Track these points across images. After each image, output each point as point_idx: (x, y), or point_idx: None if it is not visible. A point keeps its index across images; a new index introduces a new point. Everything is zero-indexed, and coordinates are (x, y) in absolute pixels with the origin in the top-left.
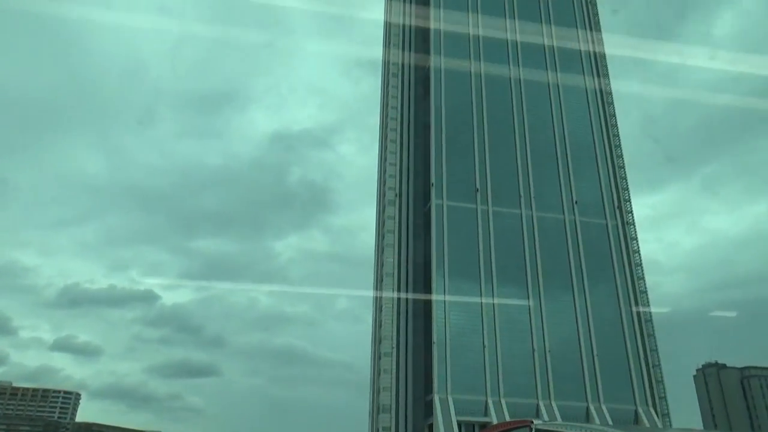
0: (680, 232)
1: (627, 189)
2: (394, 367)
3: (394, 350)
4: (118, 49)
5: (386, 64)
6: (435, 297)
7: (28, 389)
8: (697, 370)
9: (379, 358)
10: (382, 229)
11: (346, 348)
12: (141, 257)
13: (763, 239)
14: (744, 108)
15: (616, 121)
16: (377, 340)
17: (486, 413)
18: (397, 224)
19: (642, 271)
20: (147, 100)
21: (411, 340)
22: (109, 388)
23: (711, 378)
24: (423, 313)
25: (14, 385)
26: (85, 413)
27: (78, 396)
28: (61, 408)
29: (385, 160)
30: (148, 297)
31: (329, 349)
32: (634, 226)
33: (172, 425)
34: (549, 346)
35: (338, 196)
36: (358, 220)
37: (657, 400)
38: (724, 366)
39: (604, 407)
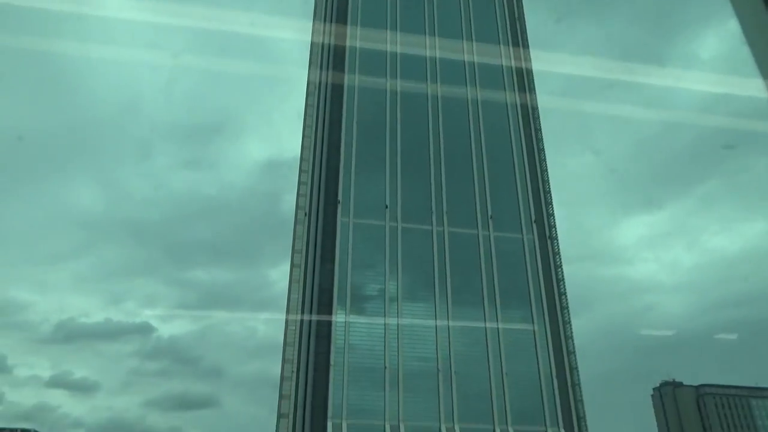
0: (680, 251)
1: (551, 203)
2: (293, 392)
3: (294, 374)
4: (112, 84)
5: (307, 84)
6: (336, 318)
7: None
8: (654, 389)
9: (281, 382)
10: (293, 249)
11: None
12: (136, 289)
13: (759, 258)
14: (733, 128)
15: (541, 136)
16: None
17: None
18: (305, 244)
19: (564, 286)
20: (141, 133)
21: (312, 364)
22: (107, 424)
23: (667, 397)
24: (326, 335)
25: None
26: None
27: None
28: None
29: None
30: (144, 329)
31: None
32: (557, 240)
33: None
34: (455, 366)
35: None
36: None
37: (576, 420)
38: (680, 384)
39: (511, 429)
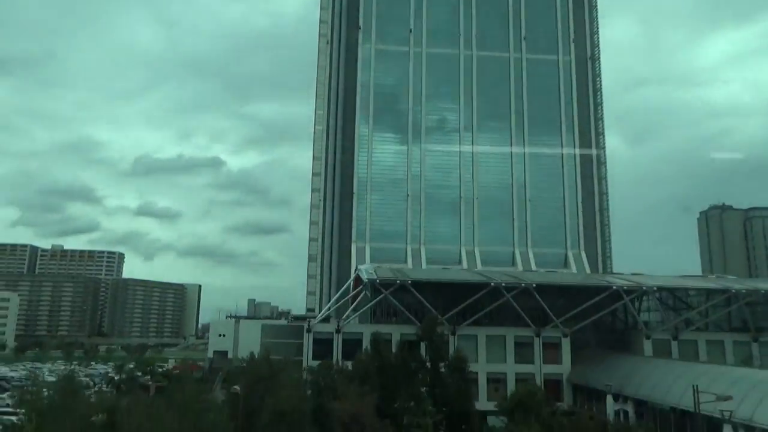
0: None
1: (596, 19)
2: (321, 218)
3: (321, 202)
4: None
5: None
6: (358, 147)
7: (76, 251)
8: (701, 213)
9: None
10: (316, 80)
11: None
12: (202, 125)
13: None
14: None
15: None
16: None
17: (405, 260)
18: (327, 73)
19: (602, 110)
20: None
21: (338, 191)
22: (193, 248)
23: (713, 220)
24: (350, 164)
25: (65, 248)
26: (174, 272)
27: (122, 256)
28: (107, 267)
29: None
30: (215, 163)
31: None
32: (600, 61)
33: (252, 278)
34: (477, 192)
35: None
36: None
37: (601, 243)
38: (729, 208)
39: (531, 251)
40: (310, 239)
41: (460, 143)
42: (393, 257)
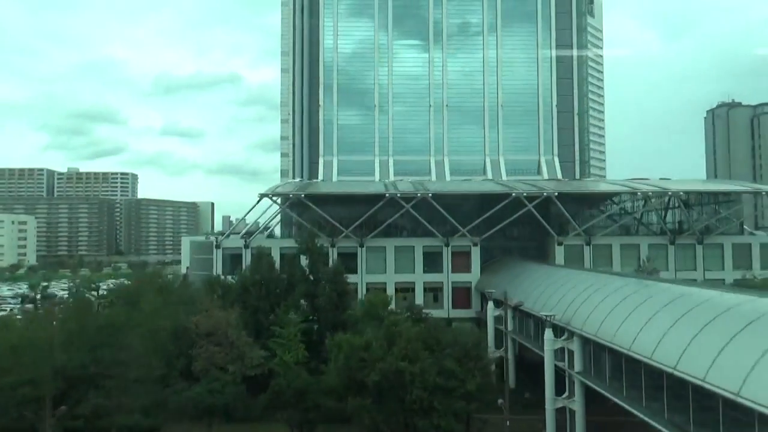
0: None
1: None
2: (291, 134)
3: (291, 116)
4: None
5: None
6: (324, 58)
7: (90, 173)
8: (708, 111)
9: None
10: None
11: None
12: (218, 39)
13: None
14: None
15: None
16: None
17: (373, 173)
18: None
19: (584, 3)
20: None
21: (307, 105)
22: (219, 166)
23: (719, 119)
24: (315, 76)
25: (80, 170)
26: (201, 191)
27: (135, 176)
28: (121, 188)
29: None
30: (234, 79)
31: None
32: None
33: None
34: (447, 100)
35: None
36: None
37: (579, 149)
38: (737, 104)
39: (502, 159)
40: (282, 155)
41: (430, 49)
42: (362, 170)
